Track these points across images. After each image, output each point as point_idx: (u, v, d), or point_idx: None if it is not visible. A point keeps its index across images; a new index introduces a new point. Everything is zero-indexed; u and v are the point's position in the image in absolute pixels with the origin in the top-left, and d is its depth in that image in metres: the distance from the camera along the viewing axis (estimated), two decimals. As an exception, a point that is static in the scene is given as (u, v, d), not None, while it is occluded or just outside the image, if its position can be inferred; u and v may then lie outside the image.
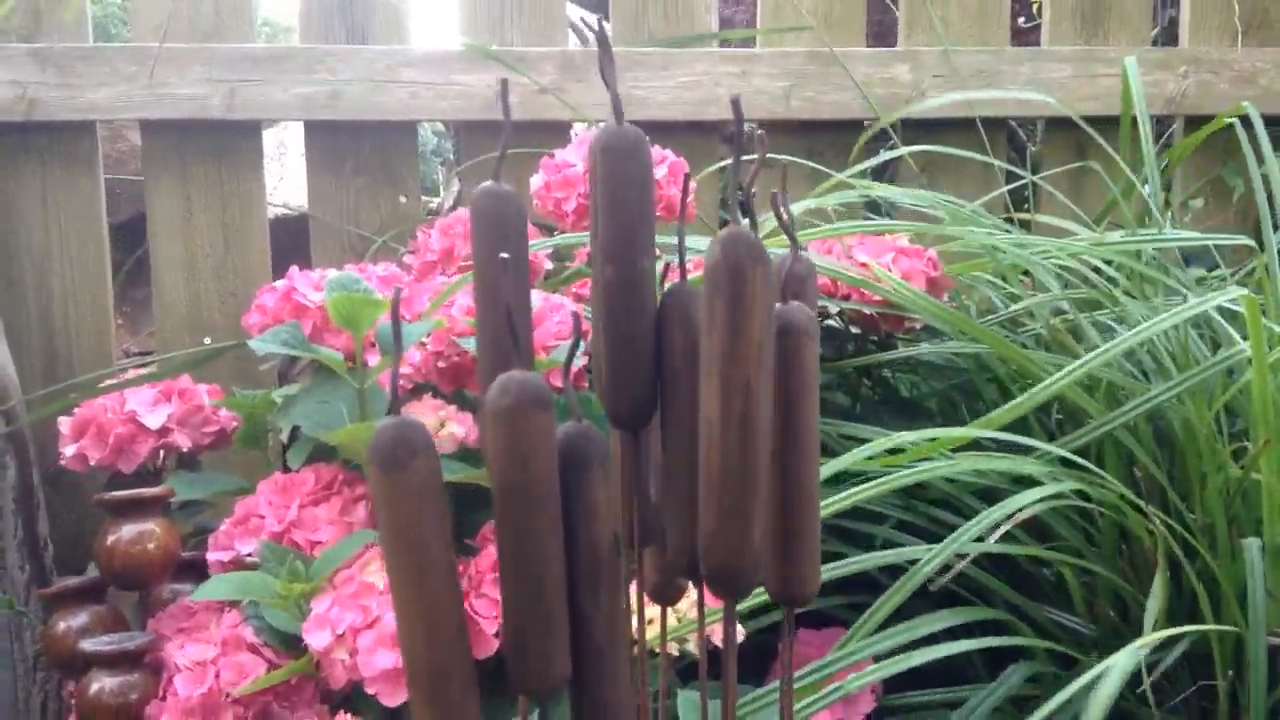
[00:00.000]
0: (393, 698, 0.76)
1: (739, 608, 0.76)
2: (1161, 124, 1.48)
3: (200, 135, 1.27)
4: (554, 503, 0.32)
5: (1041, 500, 0.77)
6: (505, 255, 0.33)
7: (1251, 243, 0.97)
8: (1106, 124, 1.35)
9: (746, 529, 0.32)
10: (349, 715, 0.76)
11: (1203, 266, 1.35)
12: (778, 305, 0.38)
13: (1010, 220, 1.32)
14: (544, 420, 0.31)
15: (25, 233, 1.26)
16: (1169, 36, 1.60)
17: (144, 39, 1.25)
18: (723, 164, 1.29)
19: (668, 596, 0.42)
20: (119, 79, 1.22)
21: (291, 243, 1.45)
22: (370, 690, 0.76)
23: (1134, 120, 1.12)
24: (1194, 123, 1.33)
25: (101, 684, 0.87)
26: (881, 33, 1.61)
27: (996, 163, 1.24)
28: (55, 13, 1.24)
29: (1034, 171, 1.37)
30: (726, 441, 0.32)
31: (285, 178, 1.70)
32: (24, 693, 1.16)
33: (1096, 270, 1.05)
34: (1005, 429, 0.87)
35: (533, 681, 0.33)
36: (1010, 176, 1.32)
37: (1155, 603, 0.79)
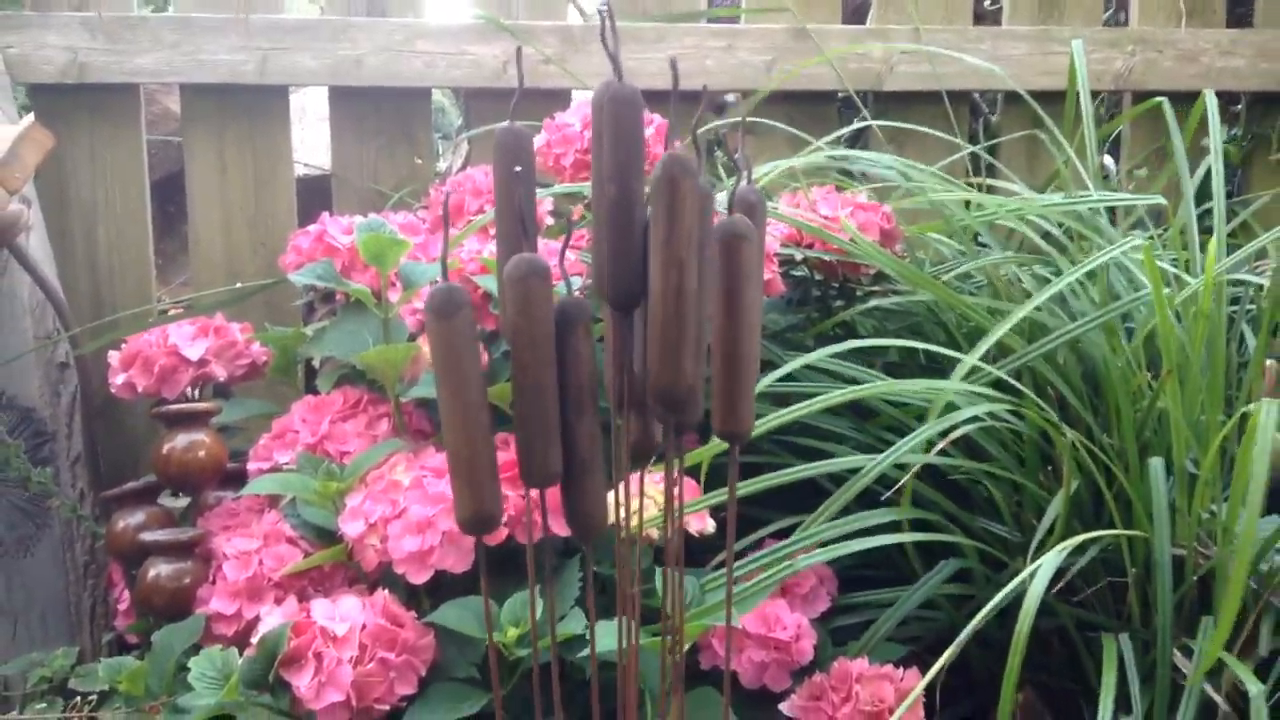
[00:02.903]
0: (418, 576, 0.89)
1: (713, 503, 0.90)
2: (1114, 98, 1.61)
3: (235, 98, 1.39)
4: (551, 347, 0.45)
5: (969, 420, 0.90)
6: (519, 169, 0.47)
7: (1164, 202, 1.10)
8: (1059, 98, 1.48)
9: (680, 362, 0.45)
10: (385, 590, 0.90)
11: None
12: (725, 217, 0.51)
13: (971, 185, 1.45)
14: (545, 287, 0.44)
15: (75, 186, 1.39)
16: (1119, 18, 1.72)
17: (185, 9, 1.38)
18: (713, 124, 1.42)
19: (644, 451, 0.54)
20: (162, 46, 1.35)
21: (313, 200, 1.57)
22: (399, 570, 0.90)
23: (1098, 98, 1.25)
24: (1141, 97, 1.45)
25: (159, 570, 1.01)
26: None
27: (948, 137, 1.37)
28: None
29: (994, 140, 1.50)
30: (666, 302, 0.45)
31: (305, 140, 1.82)
32: (74, 597, 1.29)
33: (1047, 234, 1.18)
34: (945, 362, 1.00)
35: (537, 476, 0.46)
36: (971, 144, 1.45)
37: (1059, 507, 0.92)
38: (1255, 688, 0.75)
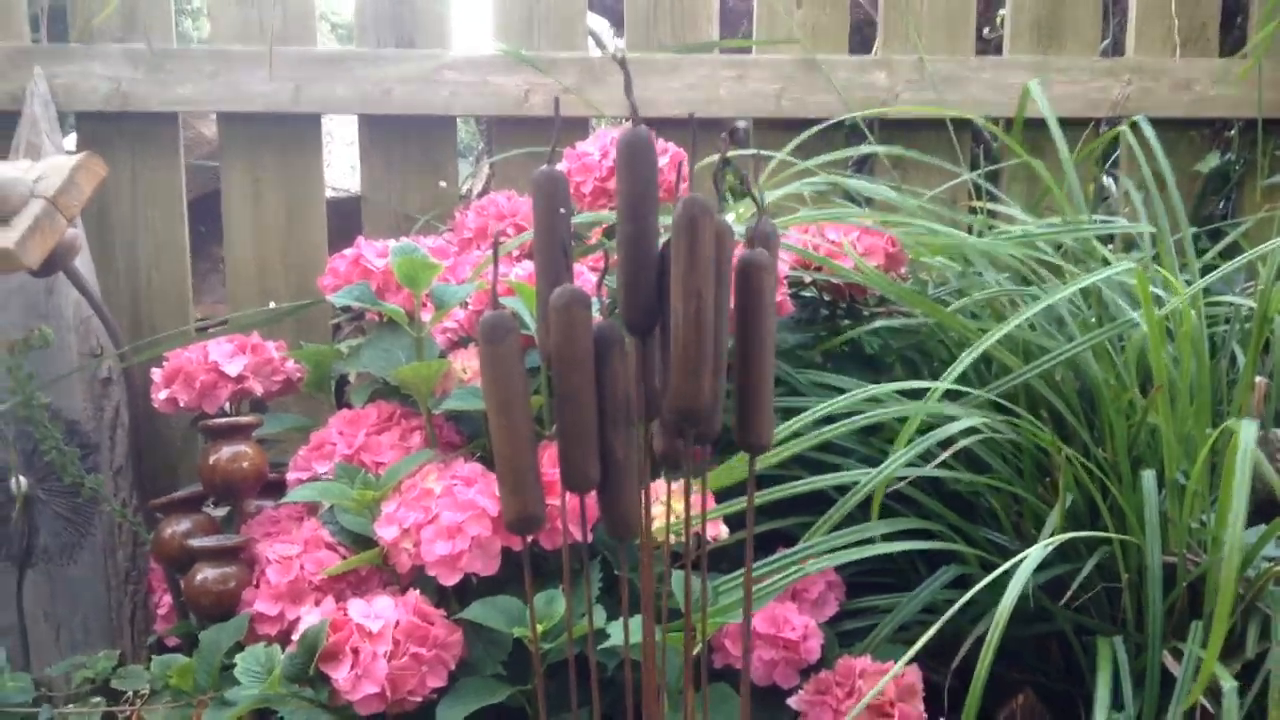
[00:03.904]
0: (449, 578, 0.95)
1: (728, 512, 0.95)
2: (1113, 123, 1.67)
3: (270, 125, 1.46)
4: (590, 366, 0.51)
5: (965, 433, 0.96)
6: (563, 210, 0.53)
7: (1149, 229, 1.16)
8: (1059, 124, 1.54)
9: (699, 384, 0.51)
10: (417, 591, 0.96)
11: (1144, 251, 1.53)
12: (745, 250, 0.57)
13: (973, 210, 1.52)
14: (585, 313, 0.50)
15: (117, 208, 1.46)
16: (1116, 48, 1.78)
17: (224, 42, 1.45)
18: (721, 155, 1.48)
19: (672, 461, 0.60)
20: (202, 76, 1.42)
21: (340, 222, 1.64)
22: (431, 572, 0.95)
23: (1095, 124, 1.31)
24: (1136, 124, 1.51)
25: (206, 574, 1.07)
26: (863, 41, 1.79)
27: (947, 165, 1.43)
28: (144, 17, 1.44)
29: (995, 165, 1.56)
30: (687, 329, 0.51)
31: (331, 164, 1.89)
32: (115, 603, 1.35)
33: (1044, 258, 1.24)
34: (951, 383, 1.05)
35: (577, 482, 0.52)
36: (972, 170, 1.51)
37: (1055, 515, 0.98)
38: (1229, 684, 0.80)
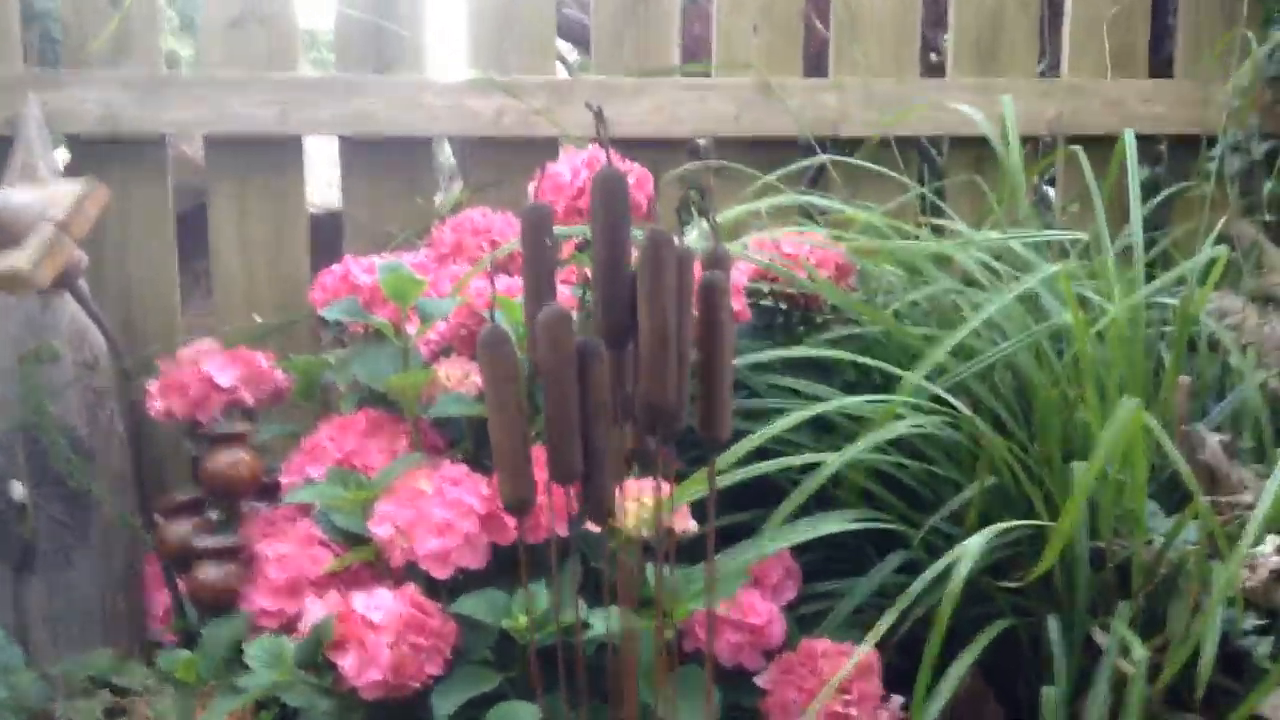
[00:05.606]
0: (441, 572, 1.03)
1: (694, 497, 1.04)
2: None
3: (255, 147, 1.53)
4: (574, 374, 0.60)
5: (911, 429, 1.06)
6: (549, 242, 0.61)
7: (1083, 236, 1.26)
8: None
9: (664, 386, 0.60)
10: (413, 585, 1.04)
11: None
12: (705, 272, 0.66)
13: (919, 224, 1.61)
14: (569, 329, 0.59)
15: (108, 226, 1.52)
16: (1053, 69, 1.90)
17: (211, 68, 1.52)
18: (680, 170, 1.58)
19: (642, 457, 0.69)
20: (192, 101, 1.49)
21: (319, 237, 1.71)
22: (424, 566, 1.03)
23: (1034, 141, 1.41)
24: (1072, 140, 1.62)
25: (208, 572, 1.14)
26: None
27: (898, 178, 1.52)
28: (134, 44, 1.51)
29: (940, 181, 1.67)
30: (653, 340, 0.60)
31: (308, 181, 1.96)
32: (110, 604, 1.41)
33: (988, 266, 1.34)
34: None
35: (564, 473, 0.61)
36: (921, 184, 1.61)
37: (976, 499, 1.07)
38: (1140, 652, 0.90)
